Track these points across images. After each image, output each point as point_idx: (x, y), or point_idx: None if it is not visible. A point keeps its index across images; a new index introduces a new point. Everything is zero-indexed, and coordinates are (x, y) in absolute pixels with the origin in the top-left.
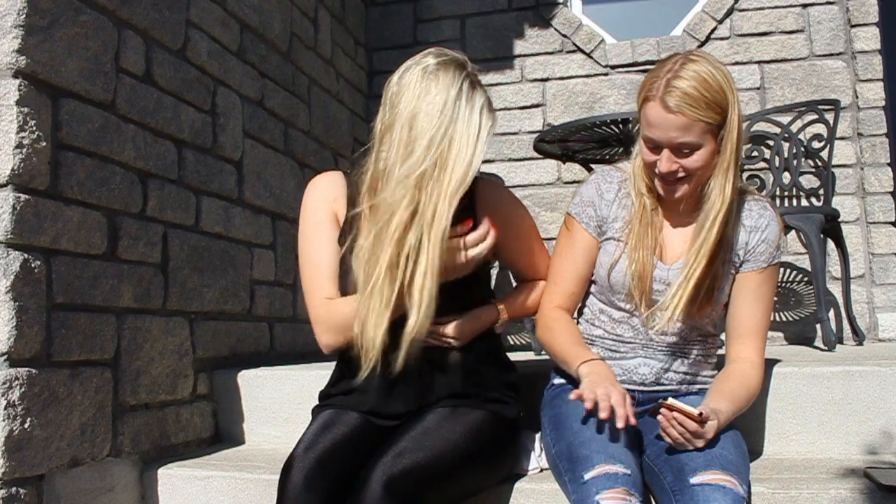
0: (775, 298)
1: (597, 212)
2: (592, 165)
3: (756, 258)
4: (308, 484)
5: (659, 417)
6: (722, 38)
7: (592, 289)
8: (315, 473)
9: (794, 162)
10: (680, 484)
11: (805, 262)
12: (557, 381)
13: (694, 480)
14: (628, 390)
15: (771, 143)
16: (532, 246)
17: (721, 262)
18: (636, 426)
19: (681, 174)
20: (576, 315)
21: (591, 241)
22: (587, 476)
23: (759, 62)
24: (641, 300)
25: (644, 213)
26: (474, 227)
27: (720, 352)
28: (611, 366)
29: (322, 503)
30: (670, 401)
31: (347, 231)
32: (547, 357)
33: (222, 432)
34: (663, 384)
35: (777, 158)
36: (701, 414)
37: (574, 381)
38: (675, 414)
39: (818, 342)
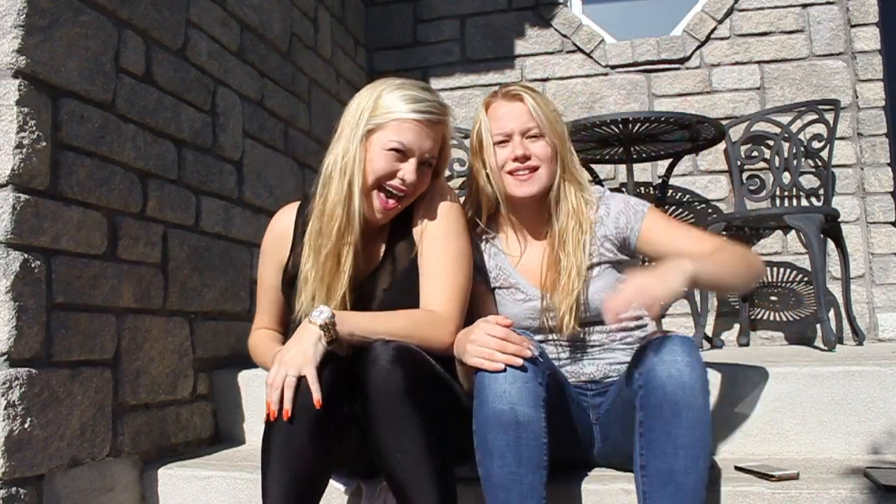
0: (775, 298)
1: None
2: (592, 165)
3: (634, 220)
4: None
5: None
6: (722, 38)
7: None
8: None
9: (794, 162)
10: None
11: (805, 262)
12: None
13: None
14: (584, 387)
15: (771, 143)
16: (438, 268)
17: (595, 266)
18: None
19: None
20: None
21: (479, 287)
22: None
23: (759, 62)
24: (548, 325)
25: (521, 255)
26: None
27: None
28: (563, 371)
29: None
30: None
31: None
32: None
33: (222, 432)
34: (611, 375)
35: (777, 158)
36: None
37: None
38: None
39: (818, 342)
